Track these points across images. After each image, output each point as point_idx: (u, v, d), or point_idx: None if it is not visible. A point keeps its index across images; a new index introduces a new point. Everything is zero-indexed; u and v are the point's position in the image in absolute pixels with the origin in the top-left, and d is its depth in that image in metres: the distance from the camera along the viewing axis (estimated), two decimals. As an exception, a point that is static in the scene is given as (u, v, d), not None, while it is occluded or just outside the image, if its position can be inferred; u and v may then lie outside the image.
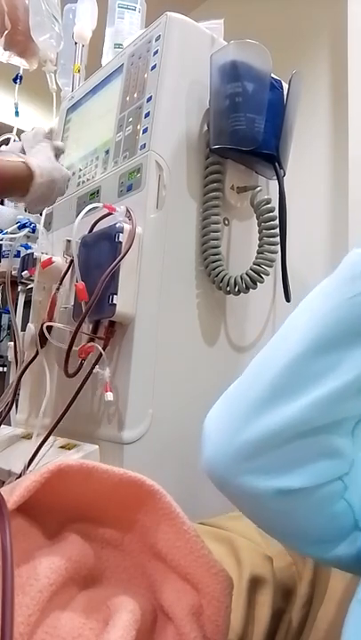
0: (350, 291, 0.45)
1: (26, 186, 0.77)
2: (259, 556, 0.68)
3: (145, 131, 0.94)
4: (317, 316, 0.47)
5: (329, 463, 0.47)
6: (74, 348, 0.90)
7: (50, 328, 1.00)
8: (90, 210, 0.91)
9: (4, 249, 1.46)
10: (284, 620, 0.67)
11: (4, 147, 0.90)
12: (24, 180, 0.77)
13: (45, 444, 0.90)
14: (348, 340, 0.45)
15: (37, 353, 1.03)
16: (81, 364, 0.90)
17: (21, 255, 1.23)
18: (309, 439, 0.46)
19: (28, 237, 1.29)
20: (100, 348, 0.87)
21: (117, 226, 0.87)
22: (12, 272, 1.26)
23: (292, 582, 0.68)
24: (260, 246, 0.93)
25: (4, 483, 0.90)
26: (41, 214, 1.12)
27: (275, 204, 0.94)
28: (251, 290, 0.92)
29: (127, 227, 0.87)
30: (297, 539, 0.50)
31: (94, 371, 0.87)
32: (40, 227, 1.16)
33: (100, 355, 0.87)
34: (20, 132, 1.35)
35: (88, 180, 1.08)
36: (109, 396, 0.84)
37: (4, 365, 1.98)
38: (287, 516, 0.48)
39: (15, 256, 1.33)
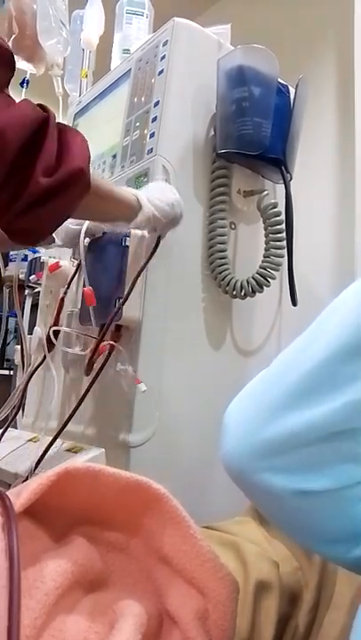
0: None
1: (133, 215, 0.80)
2: (265, 560, 0.67)
3: (152, 135, 0.94)
4: (350, 319, 0.46)
5: (351, 467, 0.46)
6: (82, 352, 0.90)
7: (57, 332, 1.01)
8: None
9: (11, 253, 1.46)
10: (291, 625, 0.66)
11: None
12: (133, 209, 0.80)
13: (52, 447, 0.90)
14: None
15: (45, 357, 1.03)
16: (91, 367, 0.90)
17: (28, 259, 1.24)
18: (333, 443, 0.45)
19: (36, 241, 1.29)
20: (118, 346, 0.86)
21: (124, 230, 0.87)
22: (20, 276, 1.27)
23: (298, 587, 0.68)
24: (266, 250, 0.93)
25: (10, 485, 0.90)
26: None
27: (281, 207, 0.94)
28: (257, 293, 0.92)
29: (136, 231, 0.88)
30: (312, 538, 0.50)
31: (117, 369, 0.87)
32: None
33: (109, 356, 0.87)
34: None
35: (95, 184, 1.09)
36: (142, 386, 0.84)
37: (10, 369, 1.99)
38: (304, 516, 0.47)
39: (22, 260, 1.34)
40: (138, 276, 0.84)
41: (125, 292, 0.84)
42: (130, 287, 0.84)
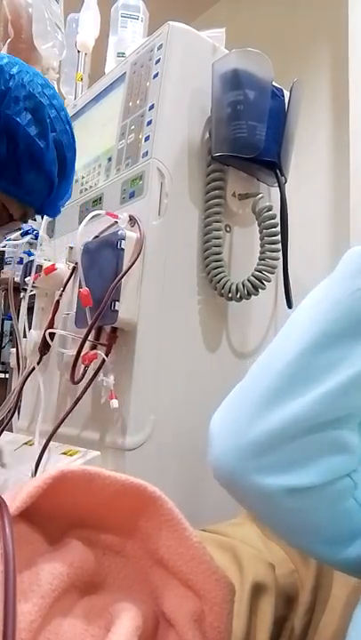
0: (351, 286, 0.46)
1: None
2: (261, 562, 0.68)
3: (147, 138, 0.94)
4: (319, 312, 0.47)
5: (337, 459, 0.47)
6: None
7: (52, 335, 1.00)
8: (92, 217, 0.92)
9: (6, 255, 1.46)
10: (287, 627, 0.66)
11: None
12: None
13: (47, 450, 0.90)
14: (351, 334, 0.45)
15: (40, 359, 1.03)
16: (85, 371, 0.90)
17: (24, 262, 1.24)
18: (316, 435, 0.46)
19: (31, 244, 1.29)
20: (104, 356, 0.87)
21: (119, 233, 0.87)
22: (15, 278, 1.27)
23: (294, 589, 0.68)
24: (261, 253, 0.93)
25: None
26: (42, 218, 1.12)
27: (276, 210, 0.94)
28: (252, 296, 0.92)
29: (131, 234, 0.88)
30: (307, 539, 0.50)
31: (98, 379, 0.87)
32: (43, 233, 1.16)
33: (103, 361, 0.87)
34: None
35: (91, 187, 1.09)
36: (115, 403, 0.84)
37: (5, 372, 1.98)
38: (297, 516, 0.48)
39: (18, 263, 1.33)
40: (120, 279, 0.85)
41: (105, 299, 0.85)
42: (110, 291, 0.84)
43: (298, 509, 0.47)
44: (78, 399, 0.89)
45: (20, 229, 1.18)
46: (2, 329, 1.98)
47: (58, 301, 1.04)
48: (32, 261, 1.14)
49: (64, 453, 0.90)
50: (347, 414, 0.46)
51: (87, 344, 0.91)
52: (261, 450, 0.46)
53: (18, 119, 0.61)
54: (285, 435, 0.46)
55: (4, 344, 2.17)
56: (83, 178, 1.13)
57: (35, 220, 0.70)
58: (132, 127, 0.99)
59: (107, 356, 0.87)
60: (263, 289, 0.92)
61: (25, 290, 1.17)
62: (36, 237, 1.28)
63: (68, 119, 0.68)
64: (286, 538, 0.54)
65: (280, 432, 0.46)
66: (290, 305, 0.97)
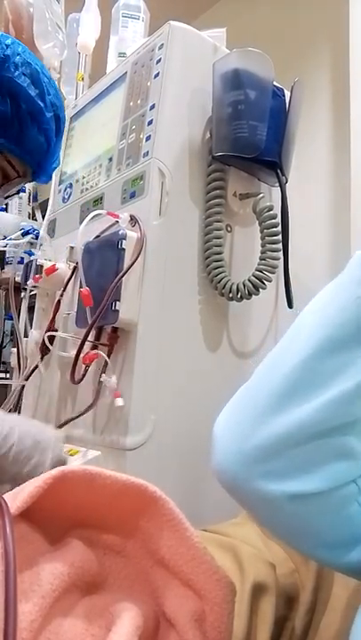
0: (357, 291, 0.46)
1: None
2: (261, 562, 0.68)
3: (148, 138, 0.94)
4: (325, 317, 0.47)
5: (342, 465, 0.46)
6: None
7: (52, 336, 1.01)
8: (93, 216, 0.92)
9: (7, 255, 1.47)
10: (287, 627, 0.66)
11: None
12: None
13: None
14: (356, 340, 0.45)
15: (41, 360, 1.03)
16: (85, 371, 0.90)
17: (25, 262, 1.24)
18: (321, 441, 0.45)
19: (32, 244, 1.30)
20: (105, 355, 0.87)
21: (120, 233, 0.87)
22: (16, 278, 1.27)
23: (294, 589, 0.68)
24: (262, 253, 0.93)
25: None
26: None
27: (277, 210, 0.94)
28: (253, 296, 0.92)
29: (132, 234, 0.88)
30: (309, 543, 0.50)
31: (101, 379, 0.87)
32: (43, 233, 1.17)
33: (106, 361, 0.87)
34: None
35: (91, 187, 1.09)
36: (120, 401, 0.84)
37: (6, 372, 1.98)
38: (300, 521, 0.47)
39: (19, 262, 1.33)
40: (120, 278, 0.85)
41: (105, 299, 0.85)
42: (111, 291, 0.84)
43: (301, 514, 0.47)
44: (93, 404, 0.88)
45: (18, 192, 1.19)
46: (3, 329, 1.98)
47: (59, 301, 1.04)
48: (33, 261, 1.14)
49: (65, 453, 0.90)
50: (353, 420, 0.46)
51: (88, 344, 0.91)
52: (266, 455, 0.46)
53: (19, 82, 0.70)
54: (290, 440, 0.45)
55: (4, 344, 2.17)
56: (83, 178, 1.13)
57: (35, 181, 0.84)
58: (133, 127, 0.99)
59: (109, 355, 0.87)
60: (264, 289, 0.92)
61: (26, 290, 1.17)
62: (37, 237, 1.28)
63: (57, 87, 0.78)
64: (288, 541, 0.54)
65: (285, 437, 0.45)
66: (290, 305, 0.97)
